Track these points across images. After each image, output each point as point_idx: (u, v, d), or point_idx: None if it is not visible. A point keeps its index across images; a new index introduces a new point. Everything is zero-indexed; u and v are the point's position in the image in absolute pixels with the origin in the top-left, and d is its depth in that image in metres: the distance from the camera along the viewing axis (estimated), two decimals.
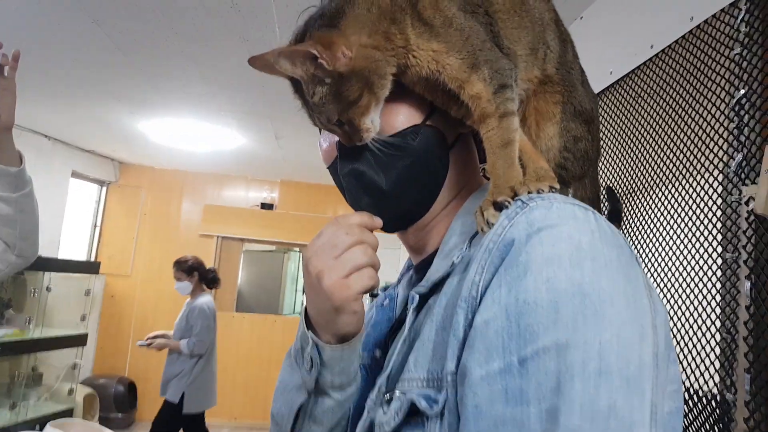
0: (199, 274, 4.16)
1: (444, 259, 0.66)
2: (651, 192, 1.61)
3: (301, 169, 6.04)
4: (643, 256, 1.58)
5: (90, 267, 5.34)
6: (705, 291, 1.33)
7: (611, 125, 1.85)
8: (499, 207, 0.59)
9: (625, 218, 1.72)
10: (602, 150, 1.80)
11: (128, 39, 2.86)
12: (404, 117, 0.69)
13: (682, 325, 1.39)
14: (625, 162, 1.76)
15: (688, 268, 1.40)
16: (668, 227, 1.50)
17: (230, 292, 6.59)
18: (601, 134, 1.55)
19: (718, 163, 1.33)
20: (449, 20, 0.64)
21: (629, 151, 1.75)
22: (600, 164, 1.56)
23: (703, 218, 1.37)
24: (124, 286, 6.20)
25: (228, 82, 3.41)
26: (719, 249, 1.31)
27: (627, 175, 1.74)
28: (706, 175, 1.37)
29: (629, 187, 1.72)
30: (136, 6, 2.46)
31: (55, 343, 4.71)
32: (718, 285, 1.30)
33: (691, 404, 1.31)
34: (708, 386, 1.27)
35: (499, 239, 0.56)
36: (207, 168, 6.34)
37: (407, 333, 0.64)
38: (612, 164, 1.82)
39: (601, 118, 1.72)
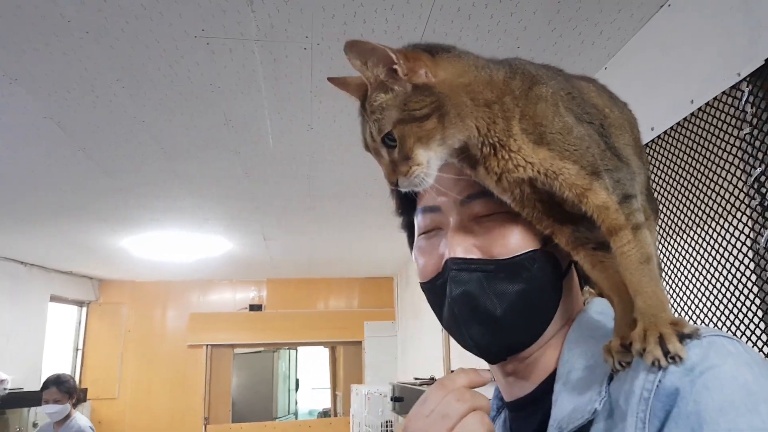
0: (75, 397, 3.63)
1: (570, 396, 0.59)
2: (668, 272, 1.59)
3: (287, 266, 5.94)
4: None
5: None
6: None
7: None
8: (687, 336, 0.52)
9: None
10: None
11: (115, 163, 2.84)
12: (521, 240, 0.63)
13: None
14: None
15: None
16: (701, 306, 1.47)
17: (224, 402, 6.28)
18: None
19: (746, 239, 1.33)
20: (569, 128, 0.60)
21: None
22: None
23: (739, 295, 1.35)
24: (112, 410, 5.88)
25: (217, 192, 3.38)
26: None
27: None
28: (734, 251, 1.36)
29: None
30: (123, 132, 2.45)
31: None
32: None
33: None
34: None
35: (653, 387, 0.50)
36: (191, 275, 6.20)
37: None
38: None
39: None
